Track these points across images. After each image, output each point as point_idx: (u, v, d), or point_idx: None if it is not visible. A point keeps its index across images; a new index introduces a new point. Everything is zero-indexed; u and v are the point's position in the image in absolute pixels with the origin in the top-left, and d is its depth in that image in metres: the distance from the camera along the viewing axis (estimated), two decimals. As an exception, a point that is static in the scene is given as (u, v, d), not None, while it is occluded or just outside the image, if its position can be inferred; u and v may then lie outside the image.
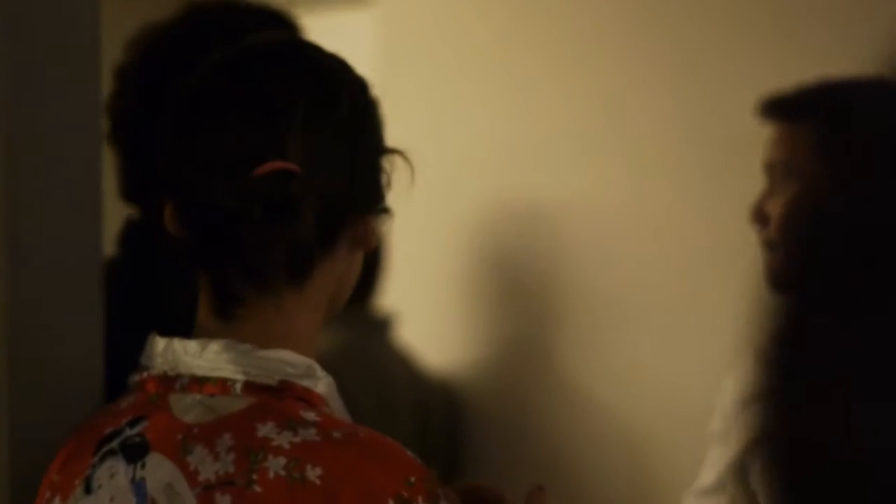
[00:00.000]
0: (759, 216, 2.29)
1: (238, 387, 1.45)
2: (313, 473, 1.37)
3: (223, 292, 1.48)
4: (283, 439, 1.39)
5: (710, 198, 2.82)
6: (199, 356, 1.47)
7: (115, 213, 2.02)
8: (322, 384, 1.48)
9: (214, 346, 1.47)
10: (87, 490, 1.49)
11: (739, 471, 2.37)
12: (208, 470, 1.40)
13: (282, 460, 1.38)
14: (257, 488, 1.38)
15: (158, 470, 1.44)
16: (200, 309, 1.52)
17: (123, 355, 1.66)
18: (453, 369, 3.28)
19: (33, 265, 1.70)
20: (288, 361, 1.46)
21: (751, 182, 2.67)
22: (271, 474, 1.38)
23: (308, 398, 1.46)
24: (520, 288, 3.18)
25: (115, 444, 1.49)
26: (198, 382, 1.47)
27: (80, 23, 1.72)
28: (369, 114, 1.54)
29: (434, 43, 3.38)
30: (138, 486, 1.45)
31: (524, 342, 3.19)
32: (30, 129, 1.69)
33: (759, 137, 2.67)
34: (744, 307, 2.62)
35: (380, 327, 3.15)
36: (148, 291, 1.98)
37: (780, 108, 2.26)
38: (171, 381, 1.49)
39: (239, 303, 1.48)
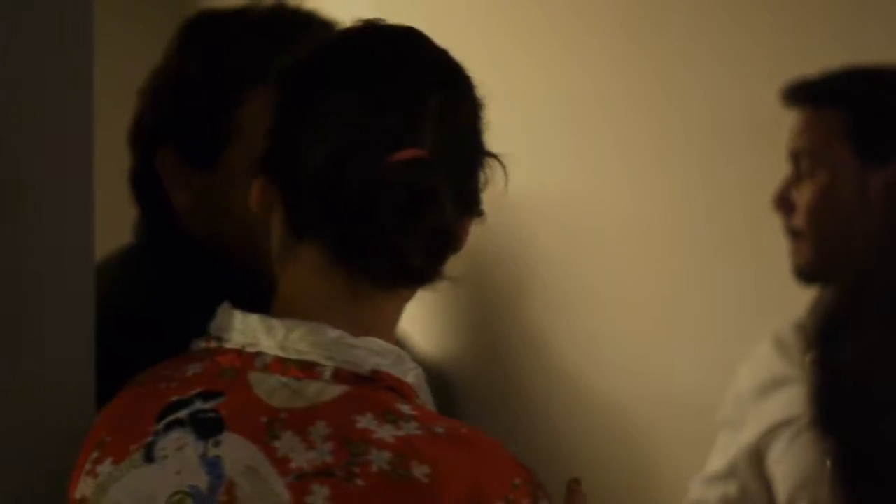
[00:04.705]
0: (784, 203, 2.30)
1: (328, 373, 1.40)
2: (420, 471, 1.32)
3: (347, 277, 1.42)
4: (385, 432, 1.34)
5: (712, 187, 2.82)
6: (285, 338, 1.41)
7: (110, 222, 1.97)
8: (411, 374, 1.43)
9: (302, 330, 1.41)
10: (149, 458, 1.41)
11: (754, 457, 2.38)
12: (301, 458, 1.34)
13: (386, 454, 1.33)
14: (359, 482, 1.32)
15: (238, 451, 1.38)
16: (287, 284, 1.46)
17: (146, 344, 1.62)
18: (448, 357, 3.28)
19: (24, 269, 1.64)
20: (377, 350, 1.41)
21: (752, 167, 2.69)
22: (374, 468, 1.32)
23: (399, 388, 1.41)
24: (516, 276, 3.18)
25: (182, 414, 1.42)
26: (282, 363, 1.41)
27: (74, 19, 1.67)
28: (481, 115, 1.50)
29: (427, 17, 3.37)
30: (211, 465, 1.38)
31: (518, 330, 3.19)
32: (22, 129, 1.63)
33: (755, 123, 2.69)
34: (757, 296, 2.63)
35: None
36: (169, 280, 1.92)
37: (806, 95, 2.27)
38: (250, 358, 1.43)
39: (356, 287, 1.42)
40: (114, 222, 1.98)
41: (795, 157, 2.30)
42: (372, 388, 1.39)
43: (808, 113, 2.27)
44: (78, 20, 1.65)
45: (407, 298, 1.48)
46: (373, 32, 1.49)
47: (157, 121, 1.91)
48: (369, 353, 1.40)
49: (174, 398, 1.44)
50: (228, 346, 1.45)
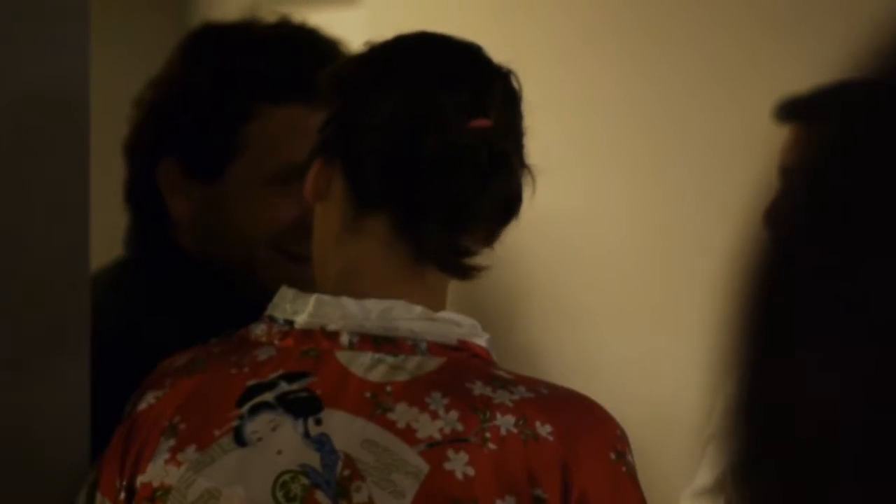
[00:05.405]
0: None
1: (423, 346, 1.43)
2: (544, 430, 1.38)
3: (414, 243, 1.46)
4: (503, 397, 1.40)
5: (708, 203, 2.83)
6: (366, 316, 1.44)
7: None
8: (483, 340, 1.48)
9: (383, 307, 1.44)
10: (241, 442, 1.43)
11: None
12: (428, 427, 1.38)
13: (510, 418, 1.38)
14: (492, 446, 1.37)
15: (346, 426, 1.40)
16: (349, 261, 1.48)
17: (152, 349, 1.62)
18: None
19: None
20: (456, 321, 1.46)
21: (748, 184, 2.69)
22: (503, 431, 1.38)
23: (482, 355, 1.46)
24: (509, 292, 3.18)
25: (268, 397, 1.44)
26: (368, 340, 1.44)
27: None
28: (524, 124, 1.56)
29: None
30: (319, 442, 1.40)
31: (510, 346, 3.19)
32: (18, 138, 1.63)
33: (750, 139, 2.70)
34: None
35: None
36: (160, 292, 1.91)
37: (798, 111, 2.27)
38: (332, 338, 1.45)
39: (435, 255, 1.46)
40: (101, 234, 1.98)
41: (786, 173, 2.29)
42: (463, 357, 1.44)
43: (800, 129, 2.27)
44: (73, 29, 1.66)
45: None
46: (429, 33, 1.55)
47: (160, 132, 1.90)
48: (450, 324, 1.45)
49: (252, 382, 1.45)
50: (301, 327, 1.46)
